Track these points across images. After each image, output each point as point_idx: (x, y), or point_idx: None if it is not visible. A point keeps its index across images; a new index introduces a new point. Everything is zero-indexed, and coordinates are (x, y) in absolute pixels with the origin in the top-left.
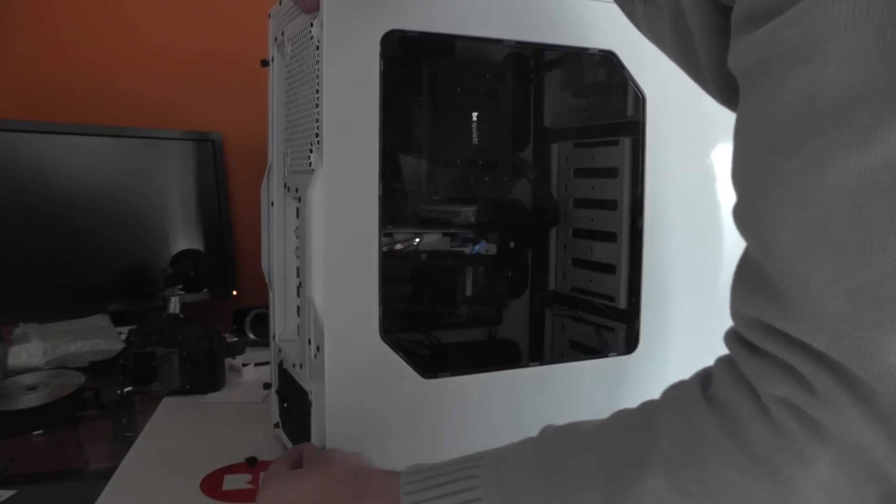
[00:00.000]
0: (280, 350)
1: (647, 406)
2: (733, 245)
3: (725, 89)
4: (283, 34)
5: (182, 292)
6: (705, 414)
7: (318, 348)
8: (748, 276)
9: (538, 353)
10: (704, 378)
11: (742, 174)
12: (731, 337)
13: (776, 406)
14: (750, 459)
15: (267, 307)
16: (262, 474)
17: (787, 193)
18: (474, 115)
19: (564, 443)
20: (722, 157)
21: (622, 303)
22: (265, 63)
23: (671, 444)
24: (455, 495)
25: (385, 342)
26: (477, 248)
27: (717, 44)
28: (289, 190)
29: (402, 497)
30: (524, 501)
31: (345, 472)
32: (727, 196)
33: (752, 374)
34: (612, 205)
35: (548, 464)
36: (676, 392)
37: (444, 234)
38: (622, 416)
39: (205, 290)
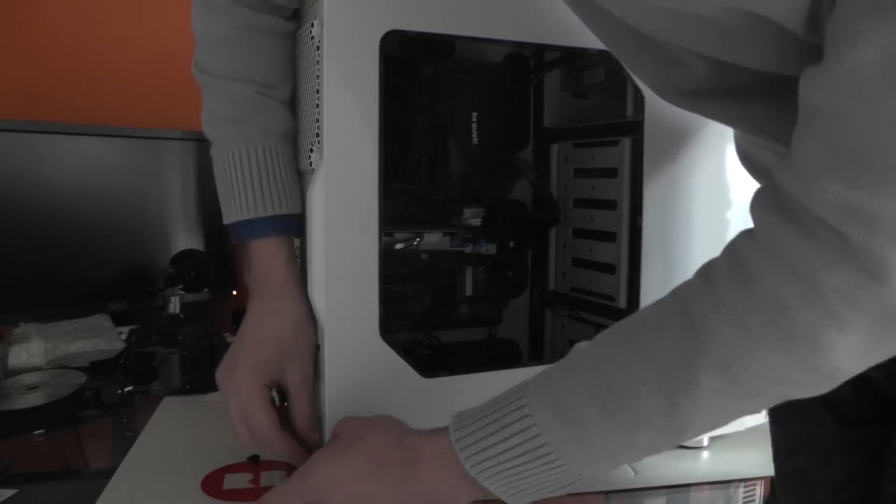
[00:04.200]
0: None
1: (681, 306)
2: None
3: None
4: None
5: (182, 292)
6: (749, 310)
7: (318, 348)
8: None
9: (538, 353)
10: (732, 265)
11: None
12: (779, 219)
13: (829, 291)
14: (795, 343)
15: None
16: (264, 476)
17: None
18: (474, 115)
19: (605, 359)
20: (722, 156)
21: (622, 302)
22: None
23: (720, 346)
24: (511, 436)
25: (385, 342)
26: (477, 247)
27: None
28: None
29: (457, 449)
30: (586, 423)
31: (390, 440)
32: (727, 195)
33: (804, 261)
34: (611, 205)
35: (597, 382)
36: (708, 290)
37: (444, 234)
38: (657, 320)
39: (205, 289)
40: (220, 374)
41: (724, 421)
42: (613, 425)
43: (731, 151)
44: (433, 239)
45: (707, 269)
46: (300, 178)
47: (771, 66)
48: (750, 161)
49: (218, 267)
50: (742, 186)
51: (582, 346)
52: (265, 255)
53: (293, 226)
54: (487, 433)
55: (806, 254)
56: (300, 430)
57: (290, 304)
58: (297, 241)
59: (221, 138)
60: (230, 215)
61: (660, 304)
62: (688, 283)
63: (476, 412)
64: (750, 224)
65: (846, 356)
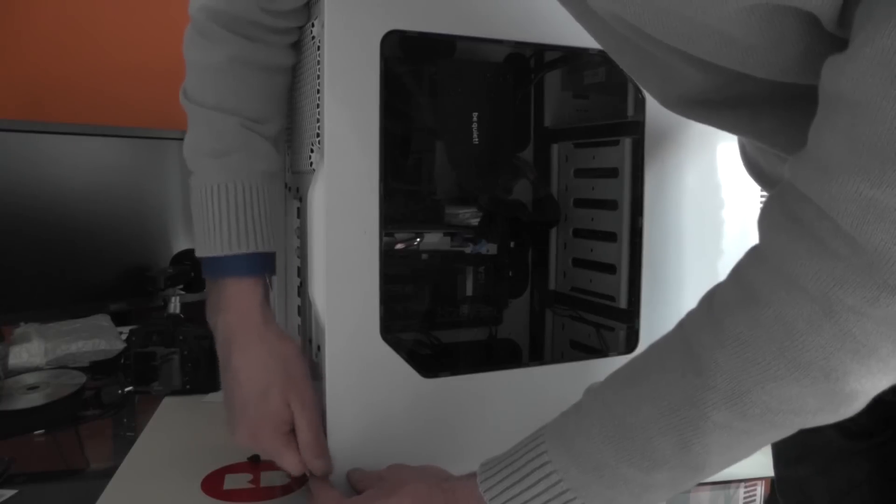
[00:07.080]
0: None
1: (685, 340)
2: (733, 244)
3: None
4: None
5: (182, 292)
6: (754, 340)
7: (318, 348)
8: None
9: (538, 353)
10: (737, 290)
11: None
12: (788, 235)
13: (843, 310)
14: (805, 370)
15: None
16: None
17: None
18: (474, 115)
19: (615, 400)
20: (722, 156)
21: (622, 302)
22: None
23: (726, 380)
24: (535, 484)
25: (385, 342)
26: (477, 247)
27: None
28: (290, 190)
29: (486, 498)
30: (603, 467)
31: (431, 485)
32: (727, 195)
33: (814, 278)
34: (612, 205)
35: (609, 424)
36: (711, 321)
37: (445, 234)
38: (663, 356)
39: (205, 289)
40: (244, 439)
41: (745, 454)
42: (629, 467)
43: (731, 152)
44: (433, 239)
45: (711, 297)
46: (301, 179)
47: (788, 74)
48: (757, 169)
49: None
50: (743, 187)
51: (594, 386)
52: (240, 295)
53: (267, 265)
54: (512, 482)
55: (817, 270)
56: (303, 452)
57: (274, 345)
58: (297, 241)
59: (203, 170)
60: (204, 249)
61: (666, 338)
62: (692, 314)
63: (500, 460)
64: (751, 224)
65: (865, 378)
